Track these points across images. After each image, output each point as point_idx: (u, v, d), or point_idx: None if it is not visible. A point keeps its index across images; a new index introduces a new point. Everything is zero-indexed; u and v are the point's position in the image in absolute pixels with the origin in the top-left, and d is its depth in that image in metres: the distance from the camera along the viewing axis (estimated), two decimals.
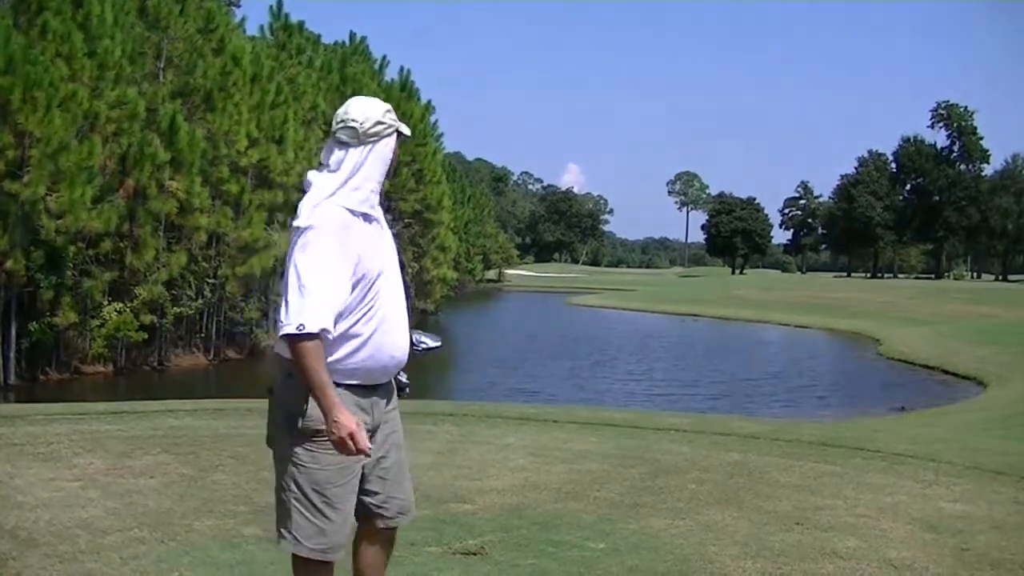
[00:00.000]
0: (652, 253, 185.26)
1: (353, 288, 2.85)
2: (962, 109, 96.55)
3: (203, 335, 25.75)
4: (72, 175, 18.79)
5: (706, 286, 69.72)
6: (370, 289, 2.89)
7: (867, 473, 6.67)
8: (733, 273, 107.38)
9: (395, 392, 3.13)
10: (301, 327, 2.72)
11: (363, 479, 2.98)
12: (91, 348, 21.37)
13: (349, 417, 2.77)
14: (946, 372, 24.35)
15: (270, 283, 27.79)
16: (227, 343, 26.73)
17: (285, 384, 2.88)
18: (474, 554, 4.54)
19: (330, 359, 2.83)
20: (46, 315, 19.94)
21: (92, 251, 20.85)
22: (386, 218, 3.12)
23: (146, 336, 22.18)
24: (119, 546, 4.54)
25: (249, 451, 6.82)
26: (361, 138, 2.92)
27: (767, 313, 47.16)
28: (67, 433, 7.26)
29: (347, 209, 2.88)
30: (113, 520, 4.96)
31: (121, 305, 21.48)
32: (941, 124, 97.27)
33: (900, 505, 5.72)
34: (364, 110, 2.94)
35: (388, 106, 2.99)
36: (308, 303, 2.74)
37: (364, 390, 2.94)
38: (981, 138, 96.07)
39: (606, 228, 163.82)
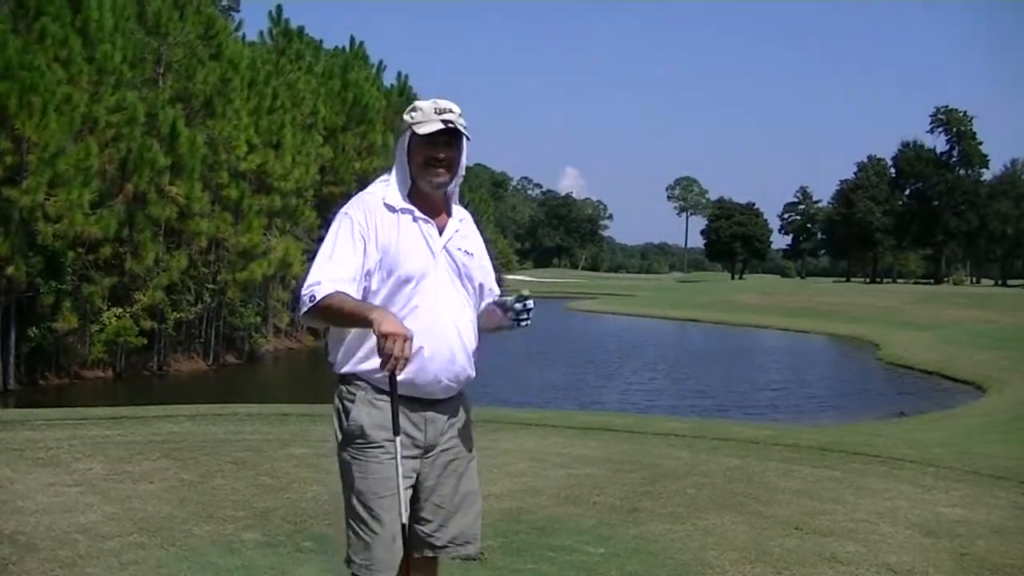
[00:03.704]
0: (651, 258, 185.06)
1: (381, 279, 2.76)
2: (961, 114, 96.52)
3: (203, 340, 25.77)
4: (69, 178, 18.79)
5: (705, 291, 69.68)
6: (407, 290, 2.76)
7: (866, 478, 6.67)
8: (732, 278, 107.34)
9: (466, 420, 2.96)
10: (312, 296, 2.67)
11: (417, 505, 2.85)
12: (91, 353, 21.36)
13: (394, 320, 2.61)
14: (945, 377, 24.35)
15: (269, 288, 27.82)
16: (227, 348, 26.75)
17: (335, 390, 2.84)
18: (473, 559, 4.54)
19: (377, 367, 2.67)
20: (46, 320, 19.93)
21: (92, 256, 20.84)
22: None
23: (146, 341, 22.18)
24: (118, 551, 4.54)
25: (249, 456, 6.82)
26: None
27: (766, 318, 47.12)
28: (67, 438, 7.26)
29: (385, 202, 2.82)
30: (113, 525, 4.97)
31: (121, 310, 21.48)
32: (940, 129, 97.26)
33: (899, 510, 5.72)
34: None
35: (424, 104, 2.84)
36: (313, 273, 2.73)
37: (415, 403, 2.80)
38: (980, 143, 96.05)
39: (605, 233, 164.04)
